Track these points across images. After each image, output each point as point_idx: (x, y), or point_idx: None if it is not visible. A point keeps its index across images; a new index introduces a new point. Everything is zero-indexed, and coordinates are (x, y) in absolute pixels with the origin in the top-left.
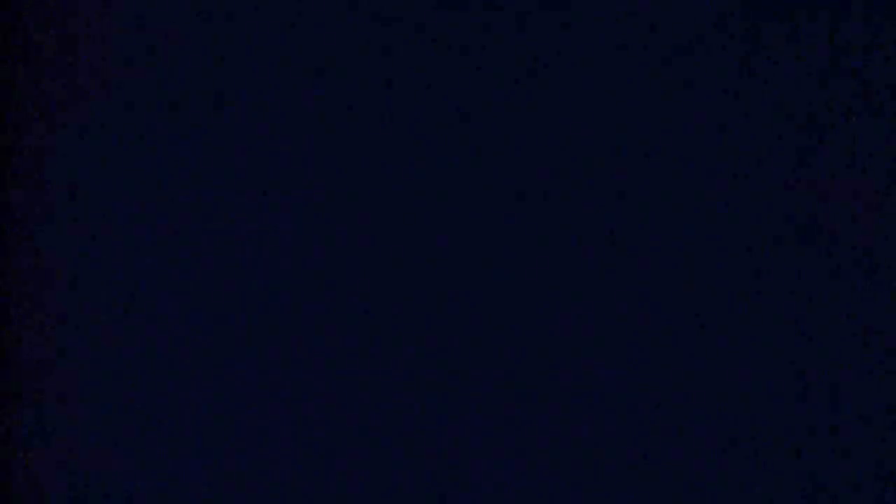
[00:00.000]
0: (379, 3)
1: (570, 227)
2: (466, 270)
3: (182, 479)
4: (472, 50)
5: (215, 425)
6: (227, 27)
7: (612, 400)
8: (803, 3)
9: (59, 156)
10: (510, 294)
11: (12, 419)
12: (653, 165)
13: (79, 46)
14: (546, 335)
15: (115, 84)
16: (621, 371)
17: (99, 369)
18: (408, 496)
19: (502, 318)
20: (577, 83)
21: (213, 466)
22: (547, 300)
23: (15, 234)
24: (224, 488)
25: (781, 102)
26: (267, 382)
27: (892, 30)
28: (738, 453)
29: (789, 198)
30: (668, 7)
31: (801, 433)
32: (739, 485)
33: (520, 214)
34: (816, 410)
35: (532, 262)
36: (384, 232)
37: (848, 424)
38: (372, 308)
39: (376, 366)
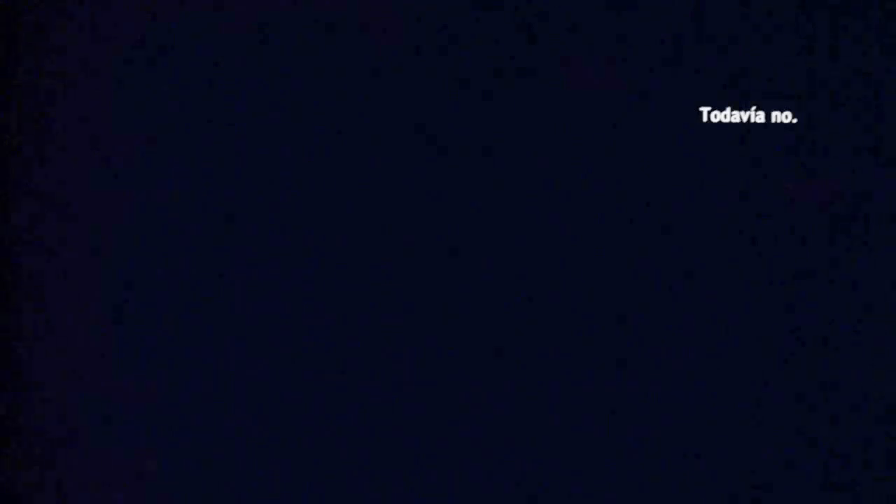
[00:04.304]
0: (380, 5)
1: (568, 227)
2: (464, 271)
3: (182, 479)
4: (469, 50)
5: (215, 426)
6: (226, 27)
7: (611, 399)
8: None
9: (58, 155)
10: (510, 294)
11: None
12: (651, 166)
13: (79, 46)
14: (545, 335)
15: (115, 84)
16: (621, 370)
17: (99, 370)
18: (408, 496)
19: (502, 318)
20: (576, 82)
21: (212, 467)
22: (546, 300)
23: (14, 233)
24: (224, 488)
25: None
26: (267, 383)
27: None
28: (737, 453)
29: (788, 197)
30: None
31: (798, 432)
32: (738, 484)
33: (520, 214)
34: (815, 410)
35: (532, 262)
36: (383, 231)
37: (846, 425)
38: (370, 308)
39: (375, 365)
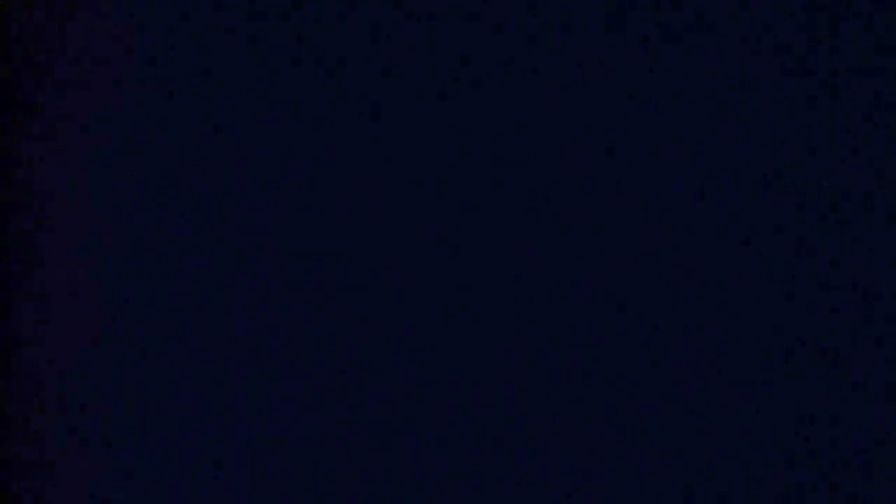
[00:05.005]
0: (379, 6)
1: (567, 227)
2: (464, 272)
3: (182, 480)
4: (467, 49)
5: (214, 427)
6: (226, 27)
7: (610, 400)
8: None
9: (58, 155)
10: (509, 294)
11: (12, 420)
12: (651, 166)
13: (79, 47)
14: (544, 336)
15: (114, 84)
16: (620, 371)
17: (99, 370)
18: (407, 496)
19: (501, 318)
20: (574, 82)
21: (212, 467)
22: (546, 300)
23: (14, 234)
24: (223, 489)
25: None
26: (266, 383)
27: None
28: (738, 453)
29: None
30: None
31: (797, 431)
32: (737, 484)
33: (520, 214)
34: (813, 409)
35: (532, 261)
36: (382, 232)
37: (844, 424)
38: (369, 308)
39: (375, 366)
